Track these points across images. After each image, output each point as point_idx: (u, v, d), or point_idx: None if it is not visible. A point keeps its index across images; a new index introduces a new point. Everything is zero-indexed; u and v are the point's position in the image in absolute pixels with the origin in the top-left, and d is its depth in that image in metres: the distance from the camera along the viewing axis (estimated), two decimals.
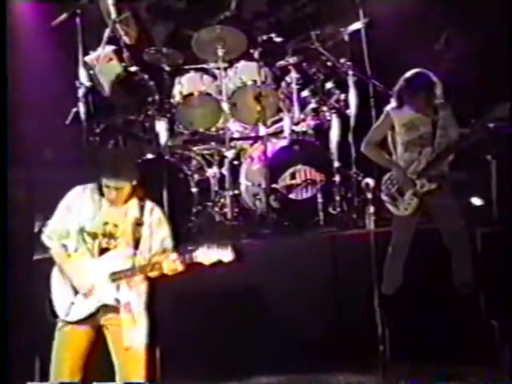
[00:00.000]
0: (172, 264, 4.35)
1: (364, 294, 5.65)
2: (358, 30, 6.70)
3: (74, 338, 4.48)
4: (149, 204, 4.52)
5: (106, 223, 4.47)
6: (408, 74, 5.78)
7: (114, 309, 4.45)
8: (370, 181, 5.83)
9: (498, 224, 6.16)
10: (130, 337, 4.46)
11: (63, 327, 4.47)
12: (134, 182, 4.43)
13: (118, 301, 4.44)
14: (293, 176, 6.64)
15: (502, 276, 5.86)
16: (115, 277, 4.43)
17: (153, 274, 4.43)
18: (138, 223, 4.46)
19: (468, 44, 6.80)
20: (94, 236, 4.47)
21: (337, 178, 6.71)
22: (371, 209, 5.57)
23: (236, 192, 6.78)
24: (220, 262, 4.42)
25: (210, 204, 6.76)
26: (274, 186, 6.64)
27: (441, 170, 5.81)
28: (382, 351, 5.31)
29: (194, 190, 6.74)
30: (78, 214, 4.46)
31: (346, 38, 6.88)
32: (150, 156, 6.75)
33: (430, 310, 5.95)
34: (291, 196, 6.65)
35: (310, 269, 6.12)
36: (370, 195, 5.33)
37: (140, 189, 4.50)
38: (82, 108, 6.53)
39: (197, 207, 6.64)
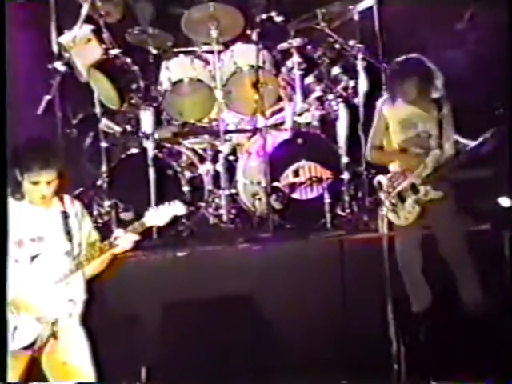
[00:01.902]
0: (125, 237, 4.59)
1: (376, 305, 5.64)
2: (370, 8, 6.69)
3: (15, 369, 4.48)
4: (66, 196, 4.67)
5: (32, 225, 4.51)
6: (399, 59, 5.71)
7: (54, 325, 4.52)
8: (383, 178, 5.83)
9: None
10: (68, 349, 4.59)
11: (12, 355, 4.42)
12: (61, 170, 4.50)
13: (73, 301, 4.56)
14: (296, 173, 6.59)
15: None
16: (63, 277, 4.54)
17: (102, 260, 4.67)
18: (66, 216, 4.61)
19: (497, 23, 6.62)
20: (20, 244, 4.48)
21: (345, 176, 6.62)
22: (384, 210, 5.60)
23: (232, 191, 6.75)
24: (176, 220, 4.76)
25: (203, 204, 6.73)
26: (275, 184, 6.58)
27: (449, 177, 5.68)
28: (397, 370, 5.40)
29: (184, 188, 6.74)
30: None
31: (356, 16, 6.79)
32: (134, 151, 6.70)
33: (451, 325, 5.94)
34: (294, 196, 6.57)
35: (316, 277, 6.09)
36: (382, 195, 5.42)
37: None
38: (56, 96, 6.41)
39: (188, 208, 6.33)
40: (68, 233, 4.59)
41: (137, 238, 4.63)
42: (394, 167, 5.75)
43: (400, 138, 5.70)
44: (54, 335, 4.52)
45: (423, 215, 5.67)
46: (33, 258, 4.50)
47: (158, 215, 4.69)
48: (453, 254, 5.71)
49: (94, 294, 4.80)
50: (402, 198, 5.68)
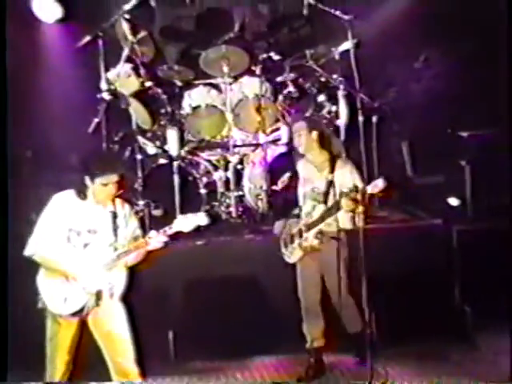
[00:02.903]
0: (156, 238, 4.55)
1: (354, 283, 5.52)
2: (348, 50, 6.73)
3: (68, 331, 4.58)
4: (118, 199, 4.68)
5: (89, 221, 4.58)
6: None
7: (98, 297, 4.56)
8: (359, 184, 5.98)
9: (472, 222, 6.32)
10: (112, 320, 4.59)
11: (57, 322, 4.55)
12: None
13: (110, 285, 4.56)
14: (290, 179, 6.58)
15: (475, 267, 5.95)
16: (107, 265, 4.55)
17: (138, 254, 4.62)
18: (115, 215, 4.63)
19: (445, 63, 6.89)
20: (79, 233, 4.57)
21: None
22: (360, 208, 5.46)
23: (240, 193, 6.85)
24: (199, 228, 4.68)
25: (216, 204, 6.85)
26: (273, 187, 6.72)
27: (331, 229, 5.28)
28: (370, 334, 5.22)
29: (202, 191, 6.85)
30: (64, 216, 4.54)
31: (337, 56, 6.92)
32: (162, 161, 6.87)
33: (411, 297, 5.92)
34: (289, 197, 6.39)
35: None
36: (358, 196, 5.01)
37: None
38: (102, 118, 6.56)
39: (205, 206, 6.71)
40: (115, 229, 4.64)
41: (166, 239, 4.64)
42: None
43: (302, 190, 5.55)
44: (97, 305, 4.58)
45: (308, 256, 5.38)
46: (85, 245, 4.60)
47: (185, 223, 4.64)
48: (335, 294, 5.38)
49: (133, 275, 4.78)
50: (292, 239, 5.52)
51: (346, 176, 5.34)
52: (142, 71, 6.92)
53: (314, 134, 5.46)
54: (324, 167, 5.39)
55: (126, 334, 4.63)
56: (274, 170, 6.75)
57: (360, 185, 5.01)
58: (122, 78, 6.76)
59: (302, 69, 7.12)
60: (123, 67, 6.77)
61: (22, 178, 6.46)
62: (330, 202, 5.29)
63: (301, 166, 5.55)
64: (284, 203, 6.62)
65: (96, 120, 6.56)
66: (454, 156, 6.63)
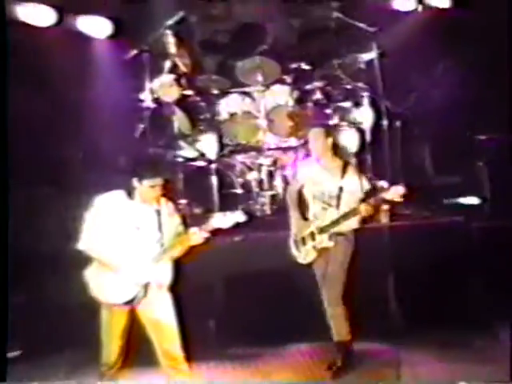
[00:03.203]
0: (198, 234, 4.60)
1: (379, 278, 5.80)
2: (372, 59, 6.77)
3: (120, 319, 4.65)
4: (163, 198, 4.73)
5: (136, 218, 4.65)
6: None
7: (146, 288, 4.62)
8: (384, 183, 6.13)
9: (490, 219, 6.34)
10: (160, 309, 4.64)
11: (111, 310, 4.63)
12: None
13: (158, 277, 4.61)
14: None
15: (494, 262, 5.95)
16: (151, 259, 4.60)
17: (181, 249, 4.66)
18: (159, 213, 4.68)
19: (463, 70, 6.92)
20: (127, 230, 4.64)
21: None
22: (385, 206, 5.77)
23: (273, 193, 6.93)
24: (238, 225, 4.68)
25: (251, 202, 6.94)
26: None
27: (343, 230, 5.28)
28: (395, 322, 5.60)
29: (238, 191, 6.97)
30: (112, 215, 4.60)
31: (363, 65, 7.00)
32: (202, 164, 7.00)
33: (435, 289, 5.93)
34: None
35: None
36: (385, 195, 5.14)
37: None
38: (147, 125, 6.75)
39: (241, 205, 6.80)
40: (159, 226, 4.69)
41: (206, 235, 4.69)
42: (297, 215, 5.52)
43: (310, 192, 5.44)
44: (146, 295, 4.67)
45: (321, 257, 5.35)
46: (134, 241, 4.63)
47: (224, 220, 4.67)
48: (331, 295, 5.32)
49: (179, 268, 4.82)
50: (304, 241, 5.44)
51: (355, 183, 5.34)
52: (183, 81, 7.04)
53: (330, 140, 5.48)
54: (336, 172, 5.37)
55: (172, 323, 4.70)
56: None
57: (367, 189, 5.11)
58: (165, 88, 6.87)
59: (330, 77, 7.21)
60: (166, 78, 6.92)
61: (73, 178, 6.56)
62: (341, 206, 5.27)
63: (311, 169, 5.45)
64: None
65: (142, 126, 6.75)
66: (472, 157, 6.68)
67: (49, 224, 6.08)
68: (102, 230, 4.60)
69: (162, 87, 6.82)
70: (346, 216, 5.23)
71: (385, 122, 6.66)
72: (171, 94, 6.91)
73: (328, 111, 7.13)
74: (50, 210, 6.20)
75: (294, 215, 5.47)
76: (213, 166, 6.81)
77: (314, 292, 5.79)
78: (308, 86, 7.19)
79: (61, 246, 5.33)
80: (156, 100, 6.77)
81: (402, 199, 4.94)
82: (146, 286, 4.65)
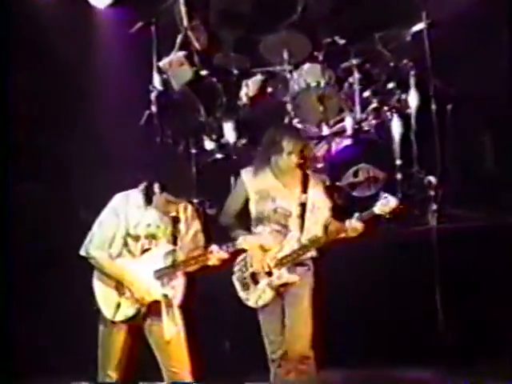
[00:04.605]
0: (217, 254, 4.39)
1: (426, 290, 5.54)
2: (421, 31, 6.48)
3: (118, 337, 4.52)
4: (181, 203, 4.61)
5: (149, 225, 4.50)
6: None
7: (155, 305, 4.46)
8: (433, 178, 5.72)
9: None
10: (171, 330, 4.49)
11: (110, 328, 4.51)
12: None
13: (166, 296, 4.45)
14: (355, 174, 6.45)
15: None
16: (160, 274, 4.44)
17: (195, 267, 4.46)
18: (176, 220, 4.51)
19: None
20: (137, 238, 4.51)
21: (399, 176, 6.38)
22: (434, 206, 5.50)
23: None
24: (262, 248, 4.44)
25: None
26: (338, 183, 6.44)
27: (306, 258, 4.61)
28: (445, 346, 5.26)
29: None
30: (124, 219, 4.48)
31: (409, 38, 6.65)
32: (218, 156, 6.73)
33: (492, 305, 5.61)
34: (355, 193, 6.41)
35: (373, 262, 5.82)
36: (432, 192, 5.04)
37: None
38: (154, 110, 6.55)
39: None
40: (175, 236, 4.50)
41: (227, 257, 4.43)
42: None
43: (257, 210, 4.66)
44: (151, 312, 4.46)
45: (278, 297, 4.60)
46: (143, 251, 4.50)
47: (251, 241, 4.44)
48: (298, 346, 4.55)
49: (192, 284, 4.61)
50: (255, 279, 4.64)
51: (321, 197, 4.64)
52: (196, 59, 6.86)
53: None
54: (294, 184, 4.65)
55: (182, 344, 4.54)
56: (337, 165, 6.53)
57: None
58: (175, 67, 6.71)
59: (370, 53, 6.89)
60: (176, 55, 6.76)
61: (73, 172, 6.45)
62: (305, 227, 4.57)
63: (252, 182, 4.69)
64: (346, 201, 6.29)
65: (148, 112, 6.54)
66: None
67: (51, 227, 6.06)
68: (107, 235, 4.47)
69: (172, 66, 6.65)
70: (314, 242, 4.53)
71: (434, 106, 6.38)
72: (182, 74, 6.73)
73: (366, 94, 6.81)
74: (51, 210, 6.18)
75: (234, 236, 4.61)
76: (231, 158, 6.57)
77: (348, 313, 5.55)
78: (343, 65, 6.90)
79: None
80: (165, 81, 6.59)
81: (394, 214, 4.40)
82: (153, 303, 4.46)
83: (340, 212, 4.65)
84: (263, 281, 4.58)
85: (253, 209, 4.65)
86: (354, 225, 4.47)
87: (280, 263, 4.55)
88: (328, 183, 4.94)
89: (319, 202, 4.62)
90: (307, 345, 4.55)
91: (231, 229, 4.63)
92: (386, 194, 4.46)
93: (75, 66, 6.47)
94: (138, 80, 6.64)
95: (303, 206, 4.60)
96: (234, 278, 4.65)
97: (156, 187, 4.46)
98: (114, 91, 6.61)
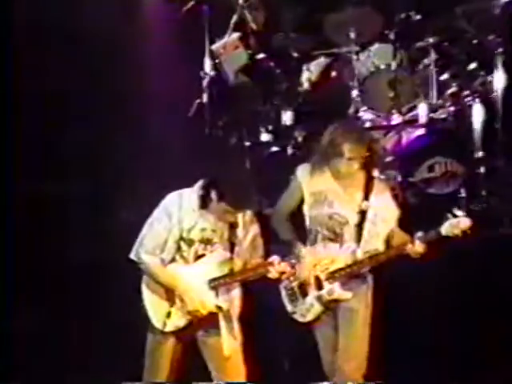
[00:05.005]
0: (277, 267, 4.15)
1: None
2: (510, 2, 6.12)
3: (170, 349, 4.37)
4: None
5: (203, 229, 4.29)
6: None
7: (210, 317, 4.28)
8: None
9: None
10: (231, 345, 4.31)
11: (159, 338, 4.36)
12: None
13: (219, 308, 4.26)
14: (431, 168, 6.01)
15: None
16: (215, 283, 4.23)
17: (253, 278, 4.27)
18: (233, 225, 4.28)
19: None
20: (191, 243, 4.31)
21: (482, 170, 6.00)
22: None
23: None
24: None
25: None
26: (411, 179, 6.10)
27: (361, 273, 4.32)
28: None
29: None
30: (177, 222, 4.28)
31: (498, 11, 6.19)
32: (274, 149, 6.44)
33: None
34: (431, 191, 6.00)
35: (450, 269, 5.36)
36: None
37: None
38: (205, 99, 6.37)
39: None
40: (232, 243, 4.29)
41: (288, 270, 4.14)
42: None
43: (310, 214, 4.38)
44: (206, 324, 4.30)
45: (327, 313, 4.33)
46: (197, 257, 4.30)
47: (316, 253, 4.29)
48: (350, 368, 4.27)
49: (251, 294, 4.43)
50: (303, 290, 4.38)
51: (387, 205, 4.28)
52: (253, 41, 6.68)
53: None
54: (355, 189, 4.34)
55: (241, 360, 4.37)
56: (410, 158, 6.17)
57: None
58: (229, 50, 6.56)
59: (450, 30, 6.48)
60: (230, 37, 6.57)
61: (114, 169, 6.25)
62: (363, 240, 4.26)
63: (315, 178, 4.39)
64: (422, 201, 5.99)
65: (198, 101, 6.37)
66: None
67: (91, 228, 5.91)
68: (159, 239, 4.29)
69: (226, 50, 6.51)
70: (373, 258, 4.18)
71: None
72: (237, 58, 6.58)
73: (444, 77, 6.43)
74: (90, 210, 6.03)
75: (288, 242, 4.40)
76: (290, 151, 6.29)
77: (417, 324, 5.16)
78: (418, 44, 6.51)
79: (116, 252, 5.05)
80: (217, 66, 6.45)
81: (466, 235, 4.03)
82: (208, 314, 4.28)
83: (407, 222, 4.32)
84: (312, 293, 4.33)
85: (306, 212, 4.38)
86: (415, 248, 4.13)
87: (332, 277, 4.26)
88: (396, 190, 4.92)
89: (383, 212, 4.28)
90: (359, 371, 4.25)
91: (283, 232, 4.39)
92: (457, 212, 4.15)
93: (117, 49, 6.23)
94: (188, 66, 6.44)
95: (363, 214, 4.28)
96: (281, 286, 4.38)
97: (213, 194, 4.21)
98: (159, 78, 6.40)
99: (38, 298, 5.59)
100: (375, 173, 4.40)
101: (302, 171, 4.40)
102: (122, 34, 6.30)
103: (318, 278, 4.33)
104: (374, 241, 4.24)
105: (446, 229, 4.07)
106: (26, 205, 5.65)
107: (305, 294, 4.34)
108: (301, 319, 4.40)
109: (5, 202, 5.48)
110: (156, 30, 6.55)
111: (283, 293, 4.40)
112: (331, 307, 4.32)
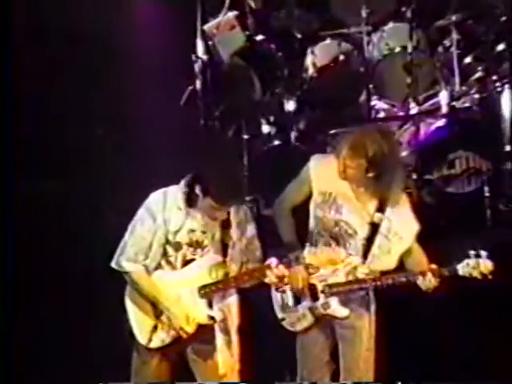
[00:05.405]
0: (275, 270, 4.00)
1: None
2: None
3: (155, 368, 4.21)
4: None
5: (192, 231, 4.12)
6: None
7: (201, 331, 4.11)
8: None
9: None
10: (227, 362, 4.19)
11: (144, 357, 4.19)
12: None
13: (212, 318, 4.10)
14: (451, 164, 5.79)
15: None
16: (205, 291, 4.08)
17: (249, 284, 4.13)
18: (225, 225, 4.13)
19: None
20: (178, 247, 4.13)
21: (508, 166, 5.80)
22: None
23: None
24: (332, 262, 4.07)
25: None
26: (427, 177, 5.91)
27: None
28: None
29: None
30: (162, 223, 4.11)
31: None
32: (276, 142, 6.22)
33: None
34: (450, 189, 5.79)
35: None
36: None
37: None
38: (198, 86, 6.07)
39: None
40: (224, 245, 4.17)
41: (287, 273, 4.02)
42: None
43: (316, 214, 4.13)
44: (197, 339, 4.15)
45: (318, 326, 4.12)
46: (185, 262, 4.14)
47: (318, 255, 4.10)
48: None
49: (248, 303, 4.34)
50: (297, 297, 4.18)
51: (405, 218, 3.98)
52: (250, 21, 6.46)
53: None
54: (369, 198, 4.05)
55: (237, 379, 4.29)
56: (428, 153, 5.97)
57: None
58: (224, 31, 6.36)
59: (475, 6, 6.31)
60: (225, 16, 6.34)
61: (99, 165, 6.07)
62: (370, 256, 4.01)
63: (328, 173, 4.08)
64: (443, 199, 5.82)
65: (190, 88, 6.13)
66: None
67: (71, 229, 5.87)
68: (142, 243, 4.13)
69: (220, 30, 6.31)
70: (376, 280, 3.93)
71: None
72: (233, 39, 6.39)
73: (467, 60, 6.22)
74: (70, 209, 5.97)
75: (286, 242, 4.17)
76: (293, 145, 6.12)
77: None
78: (438, 22, 6.32)
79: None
80: (210, 49, 6.21)
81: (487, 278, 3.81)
82: (198, 327, 4.11)
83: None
84: (305, 303, 4.10)
85: (311, 210, 4.12)
86: (426, 281, 3.89)
87: (329, 291, 4.03)
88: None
89: (400, 228, 3.97)
90: None
91: (283, 228, 4.15)
92: (480, 252, 3.85)
93: (102, 31, 6.08)
94: (178, 48, 6.24)
95: (374, 226, 3.99)
96: (273, 289, 4.17)
97: (198, 189, 4.07)
98: (147, 62, 6.27)
99: (38, 298, 5.65)
100: (392, 181, 3.94)
101: (316, 161, 4.10)
102: (115, 26, 6.21)
103: (313, 287, 4.11)
104: (386, 258, 3.98)
105: (463, 268, 3.85)
106: (26, 204, 5.62)
107: (298, 301, 4.14)
108: (290, 328, 4.18)
109: (5, 202, 5.54)
110: (142, 8, 6.33)
111: (273, 296, 4.21)
112: (321, 322, 4.09)
